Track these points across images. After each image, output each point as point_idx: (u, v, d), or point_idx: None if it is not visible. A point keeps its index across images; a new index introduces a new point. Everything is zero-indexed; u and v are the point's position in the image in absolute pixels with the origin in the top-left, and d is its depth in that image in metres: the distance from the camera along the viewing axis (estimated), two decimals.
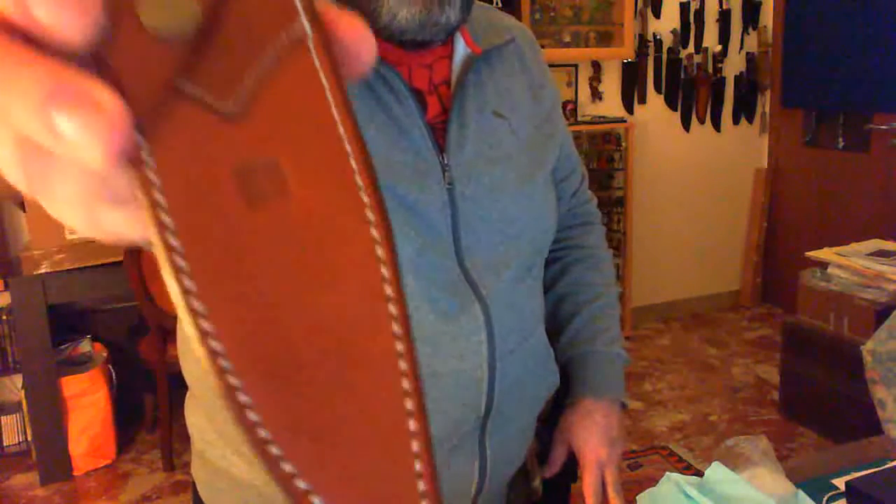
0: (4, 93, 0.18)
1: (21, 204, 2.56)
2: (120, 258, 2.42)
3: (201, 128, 0.19)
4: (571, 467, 0.91)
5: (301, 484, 0.19)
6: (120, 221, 0.21)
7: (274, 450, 0.19)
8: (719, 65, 3.89)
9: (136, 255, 2.38)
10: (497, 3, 3.28)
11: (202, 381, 0.81)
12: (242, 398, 0.19)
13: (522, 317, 0.80)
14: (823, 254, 2.77)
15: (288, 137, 0.20)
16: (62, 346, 2.72)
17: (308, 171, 0.20)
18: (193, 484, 0.90)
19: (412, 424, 0.20)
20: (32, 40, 0.18)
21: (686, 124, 3.89)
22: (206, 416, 0.82)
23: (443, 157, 0.74)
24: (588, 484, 0.87)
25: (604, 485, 0.88)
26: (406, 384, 0.21)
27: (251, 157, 0.19)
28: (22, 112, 0.18)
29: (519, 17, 3.28)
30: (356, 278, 0.20)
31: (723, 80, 3.91)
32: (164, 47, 0.19)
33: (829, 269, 2.72)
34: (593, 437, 0.88)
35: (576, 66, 3.60)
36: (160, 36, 0.19)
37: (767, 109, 4.03)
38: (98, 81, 0.18)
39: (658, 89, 3.81)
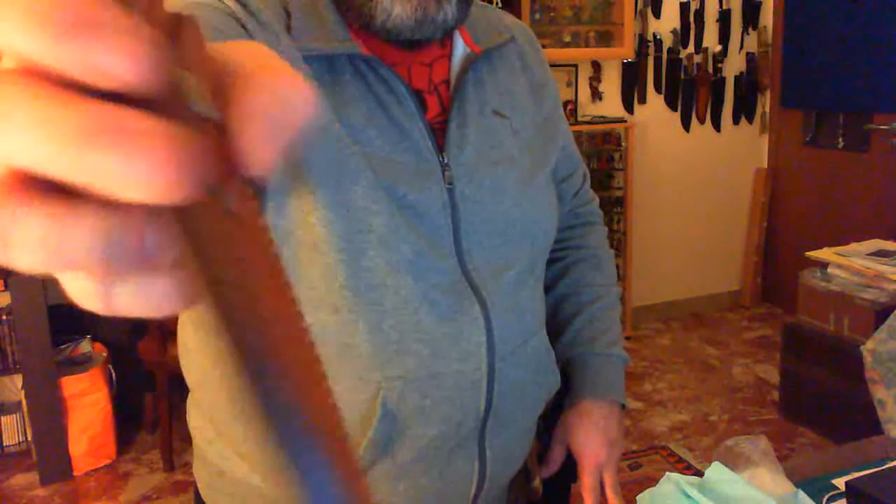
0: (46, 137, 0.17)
1: None
2: None
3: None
4: (571, 467, 0.91)
5: None
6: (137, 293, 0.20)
7: None
8: (719, 65, 3.89)
9: None
10: (497, 3, 3.28)
11: (203, 383, 0.81)
12: None
13: (523, 318, 0.80)
14: (823, 254, 2.77)
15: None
16: (62, 346, 2.72)
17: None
18: (195, 484, 0.90)
19: None
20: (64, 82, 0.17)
21: (686, 124, 3.89)
22: (206, 417, 0.82)
23: (443, 157, 0.74)
24: (587, 484, 0.87)
25: (603, 485, 0.88)
26: None
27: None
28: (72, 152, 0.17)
29: (519, 17, 3.28)
30: None
31: (723, 80, 3.91)
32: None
33: (829, 269, 2.72)
34: (592, 438, 0.88)
35: (576, 66, 3.60)
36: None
37: (767, 109, 4.03)
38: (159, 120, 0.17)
39: (658, 89, 3.81)
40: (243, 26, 0.63)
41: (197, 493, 0.88)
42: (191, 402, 0.87)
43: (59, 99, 0.17)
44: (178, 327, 0.83)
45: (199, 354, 0.79)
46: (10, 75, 0.17)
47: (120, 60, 0.17)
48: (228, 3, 0.64)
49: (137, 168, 0.17)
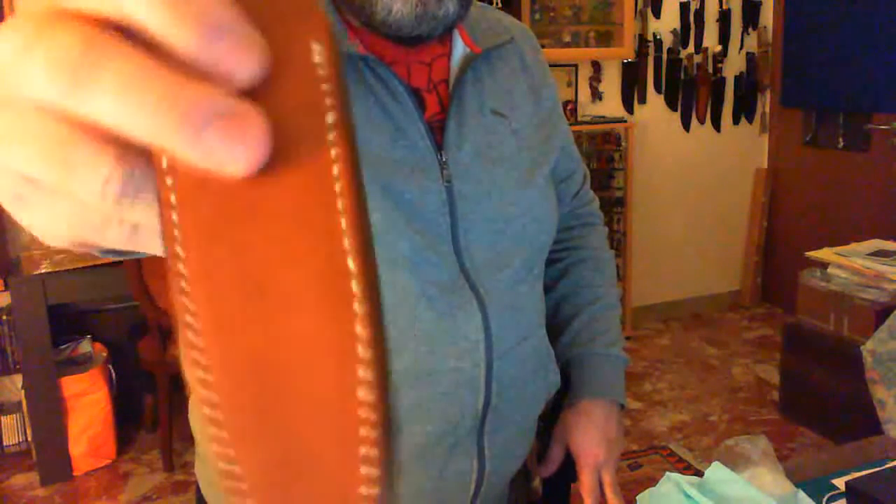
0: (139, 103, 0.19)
1: None
2: (120, 258, 2.42)
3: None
4: (571, 467, 0.91)
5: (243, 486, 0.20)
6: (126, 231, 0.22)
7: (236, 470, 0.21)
8: (719, 65, 3.89)
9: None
10: (497, 3, 3.28)
11: None
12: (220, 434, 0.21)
13: (522, 316, 0.80)
14: (823, 254, 2.77)
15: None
16: (62, 346, 2.72)
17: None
18: (196, 483, 0.90)
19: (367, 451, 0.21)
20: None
21: (686, 124, 3.89)
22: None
23: (441, 155, 0.74)
24: (585, 484, 0.88)
25: (602, 485, 0.88)
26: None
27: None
28: (159, 124, 0.19)
29: (519, 17, 3.28)
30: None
31: (723, 80, 3.91)
32: None
33: (829, 269, 2.72)
34: (590, 438, 0.88)
35: (576, 66, 3.60)
36: None
37: (767, 109, 4.03)
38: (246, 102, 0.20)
39: (658, 89, 3.81)
40: None
41: (198, 492, 0.88)
42: (191, 398, 0.87)
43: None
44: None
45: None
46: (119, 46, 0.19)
47: (244, 63, 0.20)
48: None
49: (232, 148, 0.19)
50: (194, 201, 0.20)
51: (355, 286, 0.22)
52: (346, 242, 0.21)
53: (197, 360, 0.20)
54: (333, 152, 0.22)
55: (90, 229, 0.23)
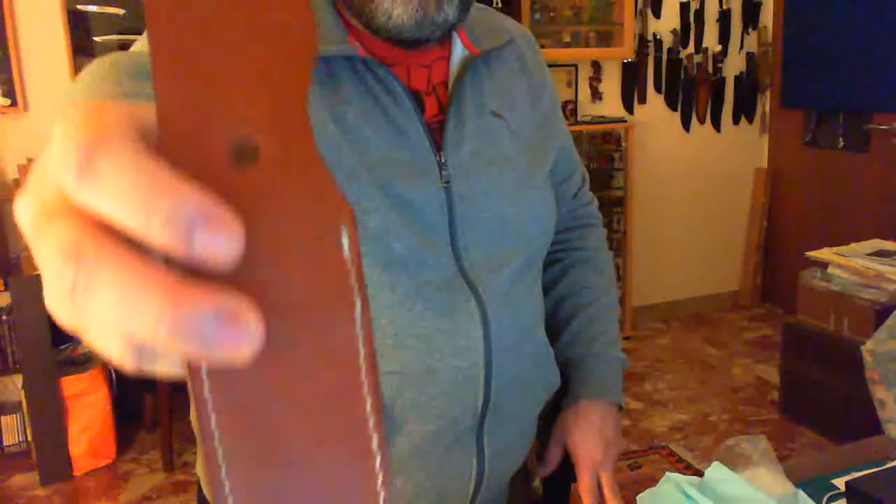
0: (131, 304, 0.20)
1: None
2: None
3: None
4: (570, 467, 0.91)
5: None
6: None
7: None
8: (719, 65, 3.89)
9: None
10: (497, 3, 3.28)
11: None
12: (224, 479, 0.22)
13: (520, 315, 0.80)
14: (823, 254, 2.77)
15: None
16: (62, 346, 2.72)
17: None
18: (198, 482, 0.90)
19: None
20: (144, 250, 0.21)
21: (686, 124, 3.89)
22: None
23: (440, 156, 0.74)
24: (584, 485, 0.88)
25: (601, 485, 0.88)
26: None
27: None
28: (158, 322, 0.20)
29: (519, 18, 3.28)
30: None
31: (723, 80, 3.91)
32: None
33: (829, 269, 2.72)
34: (589, 439, 0.89)
35: (576, 66, 3.60)
36: None
37: (767, 109, 4.03)
38: (241, 297, 0.21)
39: (658, 89, 3.81)
40: None
41: (200, 492, 0.89)
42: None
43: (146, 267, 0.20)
44: None
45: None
46: (99, 241, 0.21)
47: (222, 248, 0.21)
48: None
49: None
50: (226, 386, 0.22)
51: (377, 464, 0.23)
52: (371, 423, 0.23)
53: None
54: (361, 347, 0.23)
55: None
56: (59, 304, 0.21)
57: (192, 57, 0.21)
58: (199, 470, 0.89)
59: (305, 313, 0.22)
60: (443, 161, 0.74)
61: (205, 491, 0.88)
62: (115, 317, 0.20)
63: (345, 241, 0.23)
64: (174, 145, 0.21)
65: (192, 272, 0.21)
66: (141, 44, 0.65)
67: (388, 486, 0.23)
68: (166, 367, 0.22)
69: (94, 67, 0.53)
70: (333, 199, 0.22)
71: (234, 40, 0.21)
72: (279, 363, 0.22)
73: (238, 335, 0.20)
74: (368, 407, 0.23)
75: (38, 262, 0.22)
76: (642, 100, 3.78)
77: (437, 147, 0.75)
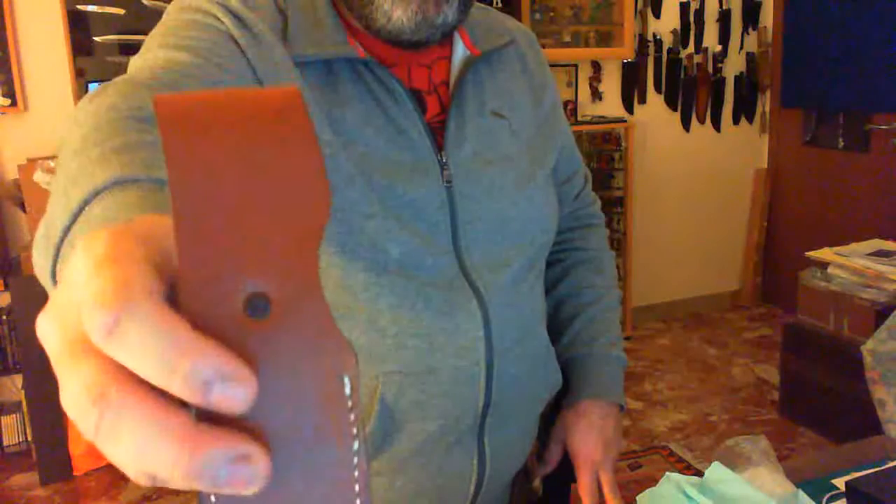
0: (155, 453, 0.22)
1: (21, 204, 2.56)
2: None
3: None
4: (571, 467, 0.91)
5: None
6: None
7: None
8: (719, 65, 3.89)
9: None
10: (497, 4, 3.28)
11: None
12: None
13: (522, 315, 0.80)
14: (823, 254, 2.77)
15: None
16: None
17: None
18: None
19: None
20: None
21: (686, 124, 3.89)
22: None
23: (441, 156, 0.74)
24: (583, 485, 0.88)
25: (600, 485, 0.88)
26: None
27: None
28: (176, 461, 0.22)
29: (519, 18, 3.28)
30: None
31: (723, 80, 3.91)
32: None
33: (829, 269, 2.72)
34: (588, 439, 0.89)
35: (576, 66, 3.60)
36: None
37: (767, 109, 4.03)
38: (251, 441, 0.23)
39: (658, 89, 3.81)
40: (236, 42, 0.65)
41: (201, 492, 0.88)
42: None
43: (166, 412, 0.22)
44: None
45: None
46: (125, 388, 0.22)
47: (236, 401, 0.23)
48: (223, 19, 0.65)
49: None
50: None
51: None
52: None
53: None
54: (356, 473, 0.25)
55: None
56: (82, 431, 0.23)
57: (213, 219, 0.23)
58: None
59: (308, 448, 0.24)
60: (444, 161, 0.74)
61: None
62: (135, 457, 0.22)
63: (347, 389, 0.25)
64: (193, 297, 0.23)
65: (207, 415, 0.23)
66: (140, 60, 0.64)
67: None
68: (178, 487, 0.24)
69: (93, 108, 0.50)
70: (338, 349, 0.25)
71: (253, 206, 0.23)
72: (281, 490, 0.24)
73: (247, 475, 0.22)
74: None
75: (62, 393, 0.23)
76: (642, 100, 3.78)
77: (439, 147, 0.75)
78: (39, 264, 0.44)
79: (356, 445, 0.25)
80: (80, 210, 0.40)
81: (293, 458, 0.24)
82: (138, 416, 0.22)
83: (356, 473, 0.25)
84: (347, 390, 0.25)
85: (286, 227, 0.24)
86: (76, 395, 0.22)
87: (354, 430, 0.25)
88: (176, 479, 0.22)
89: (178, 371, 0.22)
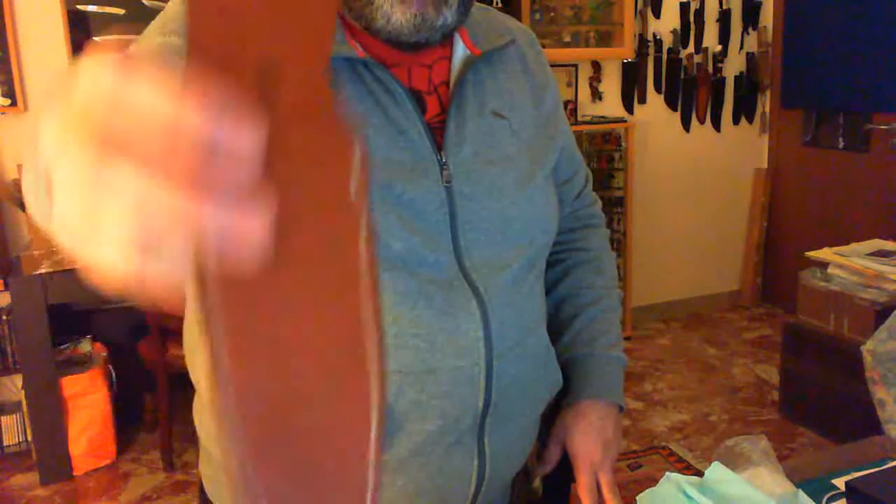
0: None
1: (21, 204, 2.56)
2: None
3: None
4: (570, 467, 0.91)
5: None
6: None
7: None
8: (719, 65, 3.89)
9: None
10: (497, 4, 3.28)
11: (204, 381, 0.81)
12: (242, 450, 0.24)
13: (522, 315, 0.80)
14: (823, 254, 2.77)
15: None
16: (62, 346, 2.72)
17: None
18: (200, 483, 0.90)
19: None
20: None
21: (686, 124, 3.89)
22: (210, 414, 0.83)
23: (440, 156, 0.74)
24: (582, 485, 0.88)
25: (600, 486, 0.88)
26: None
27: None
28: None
29: (519, 18, 3.28)
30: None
31: (723, 80, 3.91)
32: None
33: (829, 269, 2.72)
34: (587, 439, 0.89)
35: (576, 66, 3.60)
36: None
37: (767, 109, 4.03)
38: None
39: (658, 89, 3.81)
40: None
41: (202, 492, 0.89)
42: (197, 403, 0.87)
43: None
44: (185, 327, 0.84)
45: (201, 351, 0.79)
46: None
47: (244, 142, 0.23)
48: None
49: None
50: (234, 293, 0.24)
51: (371, 353, 0.26)
52: (369, 317, 0.26)
53: (228, 411, 0.24)
54: (361, 223, 0.26)
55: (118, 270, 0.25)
56: (72, 209, 0.23)
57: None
58: (203, 469, 0.89)
59: (316, 217, 0.25)
60: (444, 161, 0.75)
61: (207, 490, 0.88)
62: (136, 199, 0.22)
63: (352, 186, 0.25)
64: (204, 59, 0.23)
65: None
66: (136, 46, 0.64)
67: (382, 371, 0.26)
68: (169, 268, 0.23)
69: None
70: (346, 128, 0.25)
71: None
72: (287, 265, 0.24)
73: (252, 229, 0.22)
74: (371, 309, 0.26)
75: (55, 172, 0.23)
76: (642, 100, 3.78)
77: (438, 147, 0.75)
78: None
79: (363, 240, 0.25)
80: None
81: (298, 228, 0.24)
82: (142, 152, 0.22)
83: (361, 222, 0.25)
84: (352, 192, 0.25)
85: (298, 14, 0.24)
86: (75, 158, 0.23)
87: (361, 226, 0.25)
88: (182, 217, 0.22)
89: (191, 96, 0.22)
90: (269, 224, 0.22)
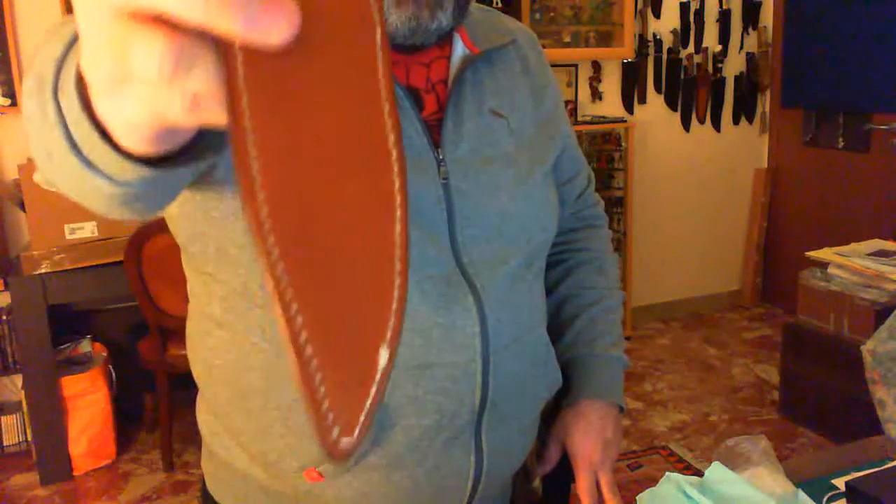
0: None
1: (21, 204, 2.56)
2: (120, 258, 2.42)
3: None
4: (570, 467, 0.91)
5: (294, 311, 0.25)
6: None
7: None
8: (719, 65, 3.89)
9: (136, 255, 2.38)
10: (497, 4, 3.28)
11: (206, 375, 0.81)
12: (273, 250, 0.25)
13: (520, 313, 0.80)
14: (823, 254, 2.77)
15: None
16: (62, 346, 2.72)
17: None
18: (202, 477, 0.90)
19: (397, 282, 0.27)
20: None
21: (686, 124, 3.89)
22: (213, 413, 0.83)
23: (438, 153, 0.75)
24: (582, 485, 0.88)
25: (599, 486, 0.88)
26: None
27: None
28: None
29: (519, 18, 3.28)
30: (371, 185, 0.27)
31: (723, 80, 3.91)
32: None
33: (829, 269, 2.72)
34: (587, 439, 0.89)
35: (576, 66, 3.60)
36: None
37: (767, 109, 4.03)
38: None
39: (658, 89, 3.81)
40: None
41: (204, 486, 0.89)
42: (200, 402, 0.87)
43: None
44: (187, 320, 0.84)
45: (203, 346, 0.80)
46: None
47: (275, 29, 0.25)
48: None
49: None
50: (257, 83, 0.25)
51: (393, 154, 0.27)
52: (386, 109, 0.27)
53: (261, 219, 0.25)
54: (379, 54, 0.27)
55: (161, 106, 0.27)
56: (100, 55, 0.25)
57: None
58: (205, 466, 0.89)
59: (334, 18, 0.26)
60: (441, 158, 0.75)
61: (209, 487, 0.88)
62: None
63: None
64: None
65: None
66: None
67: (402, 170, 0.27)
68: (203, 85, 0.25)
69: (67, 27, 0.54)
70: None
71: None
72: (308, 61, 0.25)
73: (280, 14, 0.24)
74: (387, 110, 0.27)
75: (84, 24, 0.26)
76: (642, 100, 3.79)
77: (436, 144, 0.75)
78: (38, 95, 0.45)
79: (378, 34, 0.26)
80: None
81: (318, 23, 0.25)
82: None
83: (380, 56, 0.26)
84: None
85: None
86: None
87: (375, 15, 0.26)
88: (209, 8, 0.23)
89: None
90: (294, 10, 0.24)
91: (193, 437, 2.61)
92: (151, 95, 0.27)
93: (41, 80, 0.44)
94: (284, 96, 0.25)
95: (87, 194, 0.47)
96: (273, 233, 0.25)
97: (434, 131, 0.76)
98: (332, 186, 0.26)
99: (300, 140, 0.25)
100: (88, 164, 0.42)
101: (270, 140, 0.25)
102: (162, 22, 0.24)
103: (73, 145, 0.42)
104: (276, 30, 0.24)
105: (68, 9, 2.76)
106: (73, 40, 0.41)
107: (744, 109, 4.00)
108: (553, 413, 0.93)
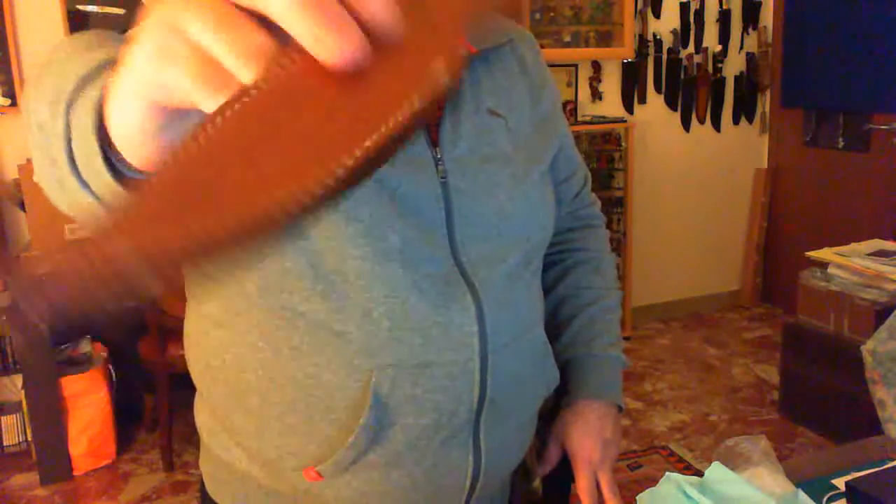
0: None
1: (21, 204, 2.56)
2: None
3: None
4: (570, 467, 0.91)
5: None
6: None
7: None
8: (719, 65, 3.89)
9: None
10: None
11: (204, 375, 0.81)
12: None
13: (518, 312, 0.80)
14: (823, 254, 2.77)
15: None
16: (62, 346, 2.72)
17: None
18: (201, 477, 0.90)
19: None
20: None
21: (686, 124, 3.89)
22: (212, 413, 0.83)
23: (436, 152, 0.75)
24: (582, 485, 0.88)
25: (599, 486, 0.88)
26: None
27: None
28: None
29: (519, 18, 3.28)
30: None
31: (723, 80, 3.91)
32: None
33: (829, 269, 2.72)
34: (586, 439, 0.89)
35: (576, 66, 3.60)
36: None
37: (767, 109, 4.03)
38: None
39: (658, 89, 3.81)
40: None
41: (203, 487, 0.89)
42: (198, 402, 0.88)
43: None
44: (185, 320, 0.84)
45: (201, 346, 0.80)
46: None
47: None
48: None
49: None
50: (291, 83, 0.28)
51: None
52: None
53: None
54: None
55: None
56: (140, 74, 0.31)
57: None
58: (204, 466, 0.89)
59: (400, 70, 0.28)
60: (439, 157, 0.75)
61: (208, 488, 0.88)
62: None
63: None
64: None
65: None
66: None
67: None
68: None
69: (73, 39, 0.55)
70: None
71: None
72: (344, 89, 0.28)
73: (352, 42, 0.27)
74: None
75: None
76: (642, 100, 3.78)
77: (434, 143, 0.75)
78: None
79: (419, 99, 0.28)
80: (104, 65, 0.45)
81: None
82: None
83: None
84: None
85: None
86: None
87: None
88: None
89: None
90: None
91: (193, 437, 2.60)
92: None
93: (58, 90, 0.46)
94: (297, 104, 0.27)
95: (68, 204, 0.51)
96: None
97: (432, 130, 0.76)
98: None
99: (279, 127, 0.28)
100: (79, 177, 0.46)
101: (252, 114, 0.27)
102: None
103: (70, 158, 0.46)
104: (340, 52, 0.26)
105: (68, 9, 2.76)
106: (104, 64, 0.45)
107: (744, 109, 4.00)
108: (553, 413, 0.93)
